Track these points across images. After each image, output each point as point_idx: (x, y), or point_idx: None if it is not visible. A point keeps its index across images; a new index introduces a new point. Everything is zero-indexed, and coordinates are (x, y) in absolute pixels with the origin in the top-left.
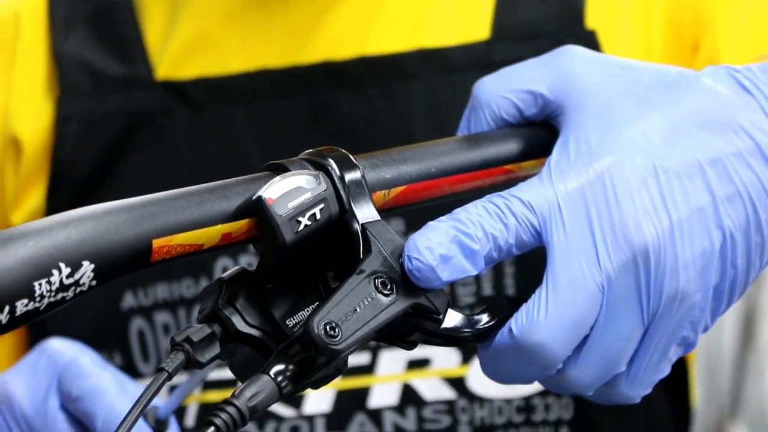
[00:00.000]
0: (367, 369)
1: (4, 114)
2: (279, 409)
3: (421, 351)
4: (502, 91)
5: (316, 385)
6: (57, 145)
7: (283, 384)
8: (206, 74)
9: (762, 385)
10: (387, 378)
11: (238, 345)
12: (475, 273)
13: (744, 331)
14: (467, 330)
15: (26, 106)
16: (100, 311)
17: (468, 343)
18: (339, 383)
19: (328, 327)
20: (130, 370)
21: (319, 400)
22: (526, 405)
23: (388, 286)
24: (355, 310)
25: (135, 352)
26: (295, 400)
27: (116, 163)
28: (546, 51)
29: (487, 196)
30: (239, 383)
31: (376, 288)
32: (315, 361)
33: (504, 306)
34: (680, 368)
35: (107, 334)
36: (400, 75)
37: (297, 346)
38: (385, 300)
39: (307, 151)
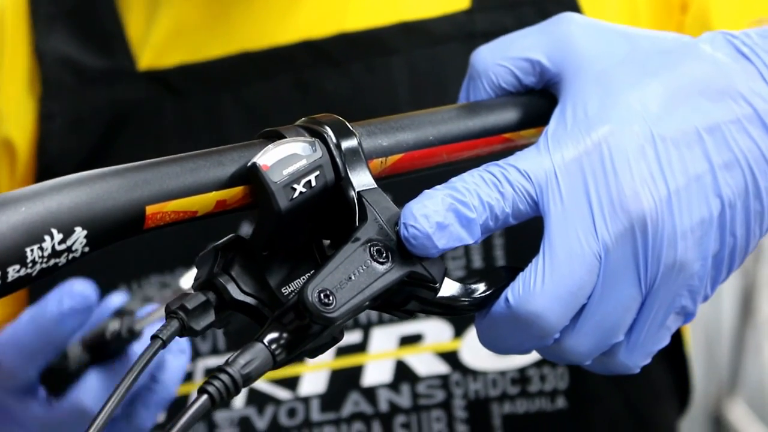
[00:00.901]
0: (360, 347)
1: None
2: (276, 391)
3: (413, 326)
4: (500, 59)
5: (312, 354)
6: (42, 142)
7: (277, 352)
8: (188, 61)
9: (761, 361)
10: (380, 355)
11: (233, 313)
12: (471, 242)
13: (743, 307)
14: (464, 299)
15: (14, 107)
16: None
17: (465, 312)
18: (332, 362)
19: (322, 295)
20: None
21: (313, 382)
22: (521, 376)
23: (384, 254)
24: (350, 278)
25: None
26: (290, 383)
27: (104, 156)
28: (528, 19)
29: (484, 165)
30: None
31: (372, 256)
32: (309, 329)
33: (501, 275)
34: (677, 340)
35: None
36: (381, 50)
37: (291, 314)
38: (381, 268)
39: (303, 119)
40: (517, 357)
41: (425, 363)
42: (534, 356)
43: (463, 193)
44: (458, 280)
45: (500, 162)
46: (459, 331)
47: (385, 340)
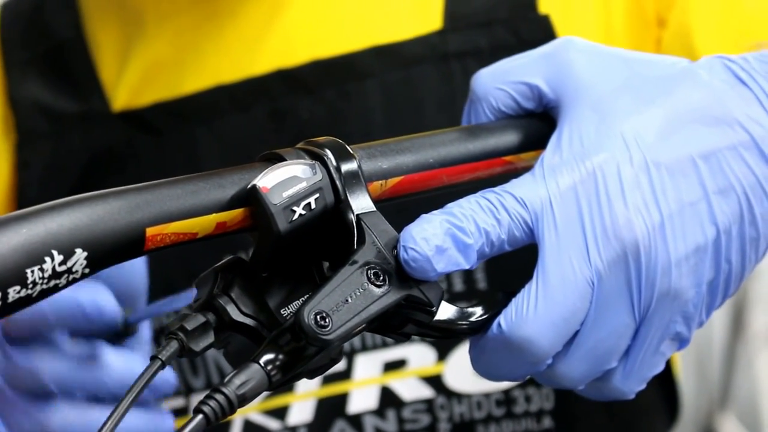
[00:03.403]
0: (344, 375)
1: None
2: (268, 422)
3: (397, 351)
4: (500, 83)
5: (311, 375)
6: (20, 191)
7: (273, 373)
8: (162, 98)
9: (752, 375)
10: (364, 382)
11: (232, 334)
12: (467, 267)
13: (734, 321)
14: (460, 323)
15: None
16: None
17: (461, 336)
18: (318, 391)
19: (318, 317)
20: None
21: (301, 411)
22: (506, 398)
23: (381, 278)
24: (347, 300)
25: None
26: (280, 413)
27: None
28: (500, 38)
29: (481, 191)
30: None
31: (369, 279)
32: (305, 351)
33: (499, 299)
34: None
35: None
36: (354, 75)
37: (287, 336)
38: (378, 291)
39: (303, 141)
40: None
41: (410, 388)
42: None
43: (460, 219)
44: (449, 301)
45: (497, 188)
46: (442, 355)
47: (369, 366)
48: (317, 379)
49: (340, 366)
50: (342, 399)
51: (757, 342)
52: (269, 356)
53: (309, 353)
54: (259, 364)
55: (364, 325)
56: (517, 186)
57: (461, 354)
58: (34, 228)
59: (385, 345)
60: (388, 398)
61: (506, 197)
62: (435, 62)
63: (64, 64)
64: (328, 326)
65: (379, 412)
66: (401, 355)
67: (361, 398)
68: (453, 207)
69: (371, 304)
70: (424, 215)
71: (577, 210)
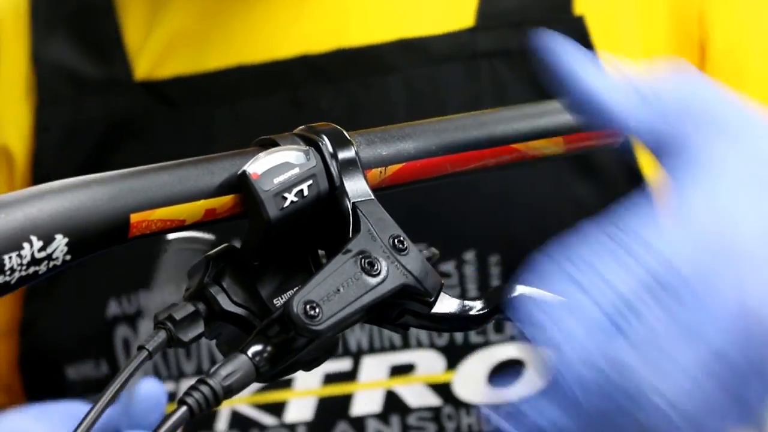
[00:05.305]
0: (349, 375)
1: None
2: (261, 416)
3: (405, 356)
4: None
5: (307, 367)
6: (38, 153)
7: (261, 365)
8: (184, 72)
9: None
10: (370, 384)
11: (223, 324)
12: None
13: None
14: (459, 316)
15: (11, 115)
16: (87, 319)
17: (460, 329)
18: (320, 390)
19: (308, 307)
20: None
21: (300, 408)
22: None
23: (375, 267)
24: (338, 290)
25: (121, 360)
26: (276, 408)
27: (98, 167)
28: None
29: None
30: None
31: (363, 268)
32: (294, 342)
33: (499, 293)
34: None
35: (93, 343)
36: (377, 67)
37: (276, 327)
38: (372, 281)
39: (300, 127)
40: (512, 390)
41: (416, 394)
42: (529, 390)
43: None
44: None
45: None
46: (452, 363)
47: (375, 369)
48: (319, 377)
49: (346, 366)
50: (345, 400)
51: None
52: (257, 347)
53: (299, 345)
54: (247, 355)
55: (357, 316)
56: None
57: (472, 363)
58: (12, 213)
59: (393, 348)
60: (393, 403)
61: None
62: (462, 61)
63: (90, 27)
64: (317, 316)
65: (383, 417)
66: (409, 360)
67: (365, 401)
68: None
69: (364, 294)
70: None
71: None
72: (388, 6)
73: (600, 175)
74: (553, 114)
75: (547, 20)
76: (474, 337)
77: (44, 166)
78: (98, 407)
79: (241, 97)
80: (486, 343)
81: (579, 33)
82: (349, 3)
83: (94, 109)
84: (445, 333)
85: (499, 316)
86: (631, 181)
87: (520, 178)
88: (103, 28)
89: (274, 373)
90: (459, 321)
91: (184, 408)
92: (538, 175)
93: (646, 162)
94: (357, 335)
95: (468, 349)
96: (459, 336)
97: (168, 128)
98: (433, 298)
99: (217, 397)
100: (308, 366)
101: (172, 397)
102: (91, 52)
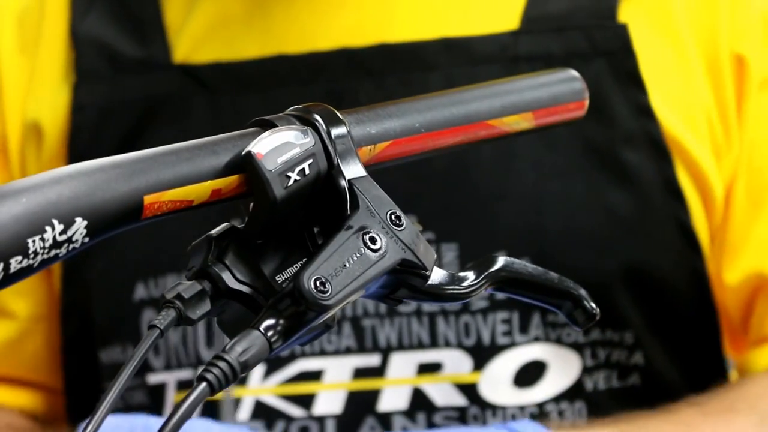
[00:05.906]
0: (378, 371)
1: (24, 99)
2: (288, 408)
3: (433, 354)
4: None
5: (305, 343)
6: (73, 133)
7: (273, 339)
8: (222, 59)
9: None
10: (397, 381)
11: (228, 302)
12: None
13: None
14: (453, 287)
15: (47, 93)
16: (115, 303)
17: (453, 300)
18: (350, 384)
19: (318, 282)
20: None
21: (330, 401)
22: (540, 412)
23: (376, 242)
24: (345, 265)
25: None
26: (305, 400)
27: (132, 148)
28: (573, 44)
29: None
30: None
31: (365, 243)
32: (305, 316)
33: (490, 263)
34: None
35: (121, 327)
36: (419, 65)
37: (287, 301)
38: (374, 255)
39: (293, 107)
40: (537, 391)
41: (443, 393)
42: (553, 391)
43: None
44: None
45: None
46: (479, 364)
47: (403, 366)
48: (349, 371)
49: (375, 361)
50: (373, 395)
51: None
52: (269, 322)
53: (308, 318)
54: (260, 331)
55: (362, 290)
56: None
57: (499, 365)
58: (34, 197)
59: (421, 346)
60: (420, 401)
61: None
62: (504, 63)
63: (130, 5)
64: (327, 291)
65: (410, 414)
66: (436, 359)
67: (393, 397)
68: None
69: (369, 268)
70: None
71: None
72: (433, 4)
73: (634, 184)
74: (523, 91)
75: (590, 27)
76: (501, 338)
77: (80, 146)
78: (116, 387)
79: (278, 86)
80: (512, 344)
81: (621, 40)
82: None
83: (130, 89)
84: (444, 301)
85: (489, 284)
86: (667, 191)
87: (554, 184)
88: (144, 8)
89: (282, 348)
90: (452, 293)
91: (203, 384)
92: (572, 181)
93: (682, 173)
94: (386, 331)
95: (494, 350)
96: (486, 336)
97: (204, 112)
98: (429, 272)
99: (235, 373)
100: (307, 343)
101: (190, 384)
102: (131, 31)
